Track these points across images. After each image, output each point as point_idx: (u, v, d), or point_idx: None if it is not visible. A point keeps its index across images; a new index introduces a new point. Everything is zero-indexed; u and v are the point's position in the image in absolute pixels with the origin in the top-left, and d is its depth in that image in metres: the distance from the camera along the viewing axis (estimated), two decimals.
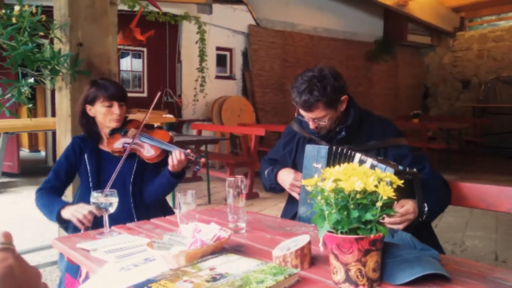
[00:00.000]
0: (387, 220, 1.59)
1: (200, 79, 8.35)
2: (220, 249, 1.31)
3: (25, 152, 9.51)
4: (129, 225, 1.76)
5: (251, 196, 5.70)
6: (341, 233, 1.05)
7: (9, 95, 2.62)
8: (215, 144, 8.00)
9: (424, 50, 12.51)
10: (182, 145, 5.75)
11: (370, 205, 1.04)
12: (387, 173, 1.09)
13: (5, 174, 7.06)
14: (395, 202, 1.61)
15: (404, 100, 12.13)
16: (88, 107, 2.13)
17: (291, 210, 2.01)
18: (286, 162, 2.11)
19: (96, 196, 1.61)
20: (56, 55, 2.54)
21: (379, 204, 1.01)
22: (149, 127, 2.26)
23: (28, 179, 6.79)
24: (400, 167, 1.67)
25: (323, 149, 1.81)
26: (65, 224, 1.98)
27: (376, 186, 1.02)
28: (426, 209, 1.70)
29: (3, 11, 2.44)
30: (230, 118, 8.44)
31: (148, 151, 2.09)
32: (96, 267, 1.29)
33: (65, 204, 1.97)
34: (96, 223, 1.89)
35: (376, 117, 2.02)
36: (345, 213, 1.04)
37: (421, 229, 1.84)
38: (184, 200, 1.61)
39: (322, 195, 1.05)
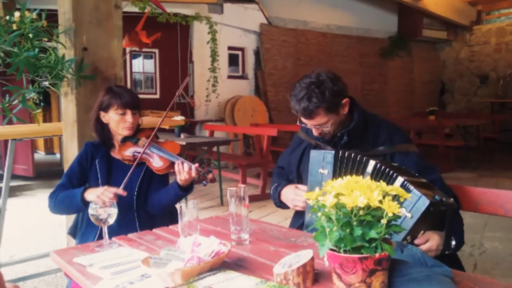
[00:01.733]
0: None
1: (212, 79, 8.31)
2: (219, 265, 1.24)
3: (41, 155, 9.59)
4: (130, 235, 1.71)
5: (264, 197, 5.63)
6: (344, 251, 0.98)
7: (16, 101, 2.60)
8: (227, 145, 7.96)
9: (440, 45, 12.26)
10: (194, 146, 5.64)
11: (375, 221, 0.96)
12: (394, 186, 1.01)
13: (20, 178, 7.12)
14: (421, 232, 1.52)
15: (420, 97, 11.92)
16: (102, 113, 2.14)
17: (300, 219, 1.94)
18: (291, 170, 2.05)
19: (94, 208, 1.57)
20: (60, 61, 2.51)
21: (384, 221, 0.93)
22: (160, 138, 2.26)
23: (43, 182, 6.83)
24: (437, 198, 1.52)
25: (329, 154, 1.73)
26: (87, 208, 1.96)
27: (380, 201, 0.94)
28: (453, 243, 1.60)
29: (7, 17, 2.42)
30: (243, 118, 8.38)
31: (157, 162, 2.09)
32: (90, 285, 1.24)
33: (87, 187, 1.99)
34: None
35: (382, 121, 1.93)
36: (347, 230, 0.96)
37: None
38: (186, 209, 1.56)
39: (322, 212, 0.98)
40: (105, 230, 1.59)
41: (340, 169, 1.70)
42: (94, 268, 1.31)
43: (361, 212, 0.95)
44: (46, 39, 2.52)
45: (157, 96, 8.32)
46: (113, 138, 2.18)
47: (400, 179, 1.54)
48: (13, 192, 6.46)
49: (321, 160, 1.75)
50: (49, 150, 9.70)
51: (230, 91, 8.71)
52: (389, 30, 11.17)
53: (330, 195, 0.97)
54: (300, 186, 1.92)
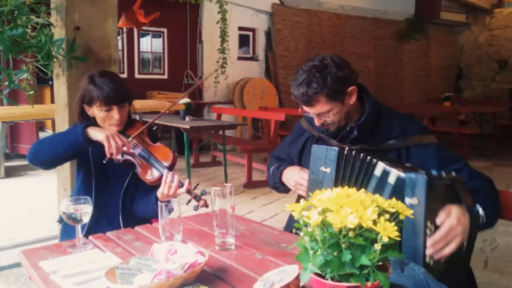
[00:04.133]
0: (430, 251, 1.28)
1: (221, 60, 8.11)
2: (193, 279, 1.10)
3: (49, 134, 9.55)
4: (109, 234, 1.58)
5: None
6: (331, 278, 0.83)
7: (6, 82, 2.47)
8: (234, 129, 7.80)
9: (459, 29, 11.85)
10: (198, 130, 5.47)
11: (368, 244, 0.80)
12: (393, 202, 0.85)
13: (25, 157, 7.06)
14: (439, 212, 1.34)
15: (435, 82, 11.59)
16: (86, 107, 1.88)
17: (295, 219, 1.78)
18: (292, 163, 1.88)
19: (66, 205, 1.43)
20: (48, 40, 2.36)
21: (378, 246, 0.77)
22: (153, 137, 1.99)
23: None
24: (434, 172, 1.41)
25: (332, 151, 1.55)
26: (88, 145, 1.80)
27: (375, 222, 0.78)
28: (481, 211, 1.40)
29: None
30: (252, 101, 8.20)
31: (145, 173, 1.85)
32: None
33: (90, 124, 1.80)
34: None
35: (396, 114, 1.73)
36: (335, 253, 0.81)
37: None
38: (167, 208, 1.41)
39: (305, 231, 0.82)
40: (79, 229, 1.46)
41: (344, 169, 1.52)
42: (57, 276, 1.18)
43: (351, 234, 0.79)
44: (33, 17, 2.37)
45: (165, 76, 8.17)
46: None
47: (400, 174, 1.37)
48: (17, 171, 6.42)
49: (323, 156, 1.58)
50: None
51: (239, 73, 8.51)
52: (406, 12, 10.81)
53: (315, 212, 0.81)
54: (306, 170, 1.72)
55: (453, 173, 1.45)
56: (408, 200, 1.33)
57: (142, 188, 1.92)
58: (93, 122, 1.91)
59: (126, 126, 1.93)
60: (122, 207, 1.92)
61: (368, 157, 1.48)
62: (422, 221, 1.30)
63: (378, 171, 1.45)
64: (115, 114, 1.83)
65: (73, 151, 1.82)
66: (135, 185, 1.94)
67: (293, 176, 1.77)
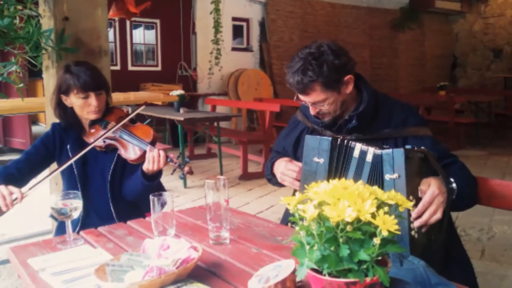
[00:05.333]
0: (415, 216, 1.35)
1: (215, 51, 8.03)
2: (186, 275, 1.06)
3: (42, 128, 9.45)
4: (100, 229, 1.54)
5: None
6: (329, 273, 0.79)
7: None
8: (229, 121, 7.75)
9: (453, 17, 11.80)
10: (193, 122, 5.44)
11: (367, 238, 0.77)
12: (392, 194, 0.82)
13: (19, 151, 7.00)
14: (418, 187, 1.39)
15: (430, 71, 11.56)
16: (63, 97, 1.88)
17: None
18: (287, 155, 1.85)
19: (55, 201, 1.39)
20: (36, 31, 2.30)
21: (377, 240, 0.74)
22: (132, 121, 1.99)
23: None
24: (408, 146, 1.43)
25: (325, 141, 1.53)
26: None
27: (373, 215, 0.75)
28: (454, 185, 1.45)
29: None
30: (247, 92, 8.14)
31: (128, 152, 1.85)
32: None
33: (3, 183, 1.64)
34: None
35: (395, 102, 1.70)
36: (332, 248, 0.77)
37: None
38: (160, 202, 1.38)
39: (301, 225, 0.79)
40: (69, 224, 1.42)
41: (338, 158, 1.51)
42: (45, 274, 1.14)
43: (348, 228, 0.75)
44: (21, 7, 2.31)
45: (159, 68, 8.09)
46: (80, 121, 1.94)
47: (376, 151, 1.42)
48: None
49: (316, 147, 1.55)
50: None
51: (233, 64, 8.44)
52: (401, 1, 10.74)
53: (311, 205, 0.77)
54: (295, 162, 1.72)
55: (423, 147, 1.48)
56: (388, 176, 1.37)
57: (129, 172, 1.91)
58: (70, 113, 1.91)
59: (105, 114, 1.94)
60: (111, 193, 1.90)
61: (351, 142, 1.50)
62: (404, 194, 1.33)
63: (356, 152, 1.47)
64: (92, 101, 1.84)
65: None
66: (121, 170, 1.93)
67: (279, 167, 1.74)
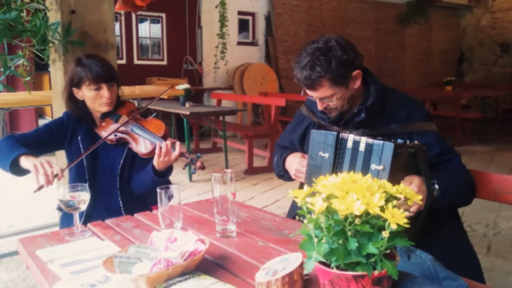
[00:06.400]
0: None
1: (221, 45, 8.01)
2: (193, 268, 1.07)
3: (48, 121, 9.50)
4: (107, 221, 1.55)
5: (271, 169, 5.44)
6: (337, 267, 0.79)
7: (2, 68, 2.42)
8: (235, 115, 7.74)
9: (461, 12, 11.70)
10: (198, 116, 5.42)
11: (375, 231, 0.77)
12: (400, 187, 0.81)
13: None
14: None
15: (437, 66, 11.48)
16: (75, 90, 1.89)
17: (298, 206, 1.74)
18: (296, 150, 1.85)
19: (63, 193, 1.40)
20: (43, 24, 2.30)
21: (386, 234, 0.74)
22: (144, 115, 2.00)
23: None
24: (400, 140, 1.44)
25: (331, 135, 1.53)
26: (18, 174, 1.66)
27: (382, 208, 0.75)
28: (436, 186, 1.48)
29: None
30: (252, 86, 8.13)
31: (139, 146, 1.85)
32: (47, 286, 1.07)
33: (31, 153, 1.63)
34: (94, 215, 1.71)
35: (401, 96, 1.70)
36: (340, 241, 0.77)
37: (450, 230, 1.58)
38: (167, 195, 1.38)
39: (309, 218, 0.79)
40: (76, 217, 1.43)
41: (342, 153, 1.51)
42: (54, 265, 1.15)
43: (357, 221, 0.75)
44: (28, 0, 2.32)
45: (165, 62, 8.09)
46: (92, 114, 1.94)
47: (368, 140, 1.44)
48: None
49: (322, 141, 1.55)
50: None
51: (239, 58, 8.42)
52: None
53: (320, 198, 0.77)
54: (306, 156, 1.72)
55: (416, 142, 1.50)
56: (374, 166, 1.40)
57: (139, 166, 1.92)
58: (81, 106, 1.91)
59: (116, 108, 1.94)
60: (120, 187, 1.90)
61: (343, 134, 1.51)
62: None
63: (349, 143, 1.49)
64: (105, 92, 1.85)
65: (6, 170, 1.66)
66: (131, 163, 1.93)
67: (293, 163, 1.74)
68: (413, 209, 1.39)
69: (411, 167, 1.46)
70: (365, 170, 1.43)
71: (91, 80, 1.82)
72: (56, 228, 3.32)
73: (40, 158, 1.61)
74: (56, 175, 1.54)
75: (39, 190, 1.53)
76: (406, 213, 1.32)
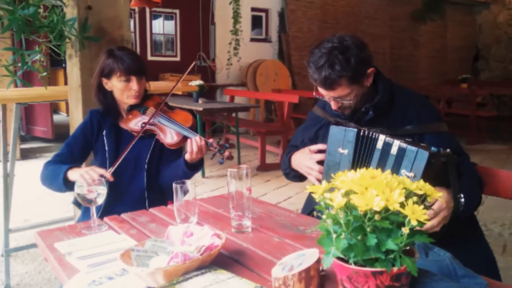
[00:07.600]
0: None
1: (234, 42, 8.02)
2: (210, 262, 1.07)
3: (63, 116, 9.58)
4: (123, 215, 1.56)
5: None
6: (355, 262, 0.79)
7: (20, 63, 2.45)
8: (247, 112, 7.74)
9: (477, 8, 11.55)
10: (211, 112, 5.44)
11: (395, 227, 0.76)
12: (420, 183, 0.81)
13: (40, 140, 7.13)
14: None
15: (452, 63, 11.36)
16: (104, 80, 1.92)
17: (314, 202, 1.73)
18: None
19: (80, 186, 1.41)
20: (60, 20, 2.32)
21: (405, 230, 0.73)
22: (170, 107, 2.03)
23: (62, 144, 6.80)
24: (434, 149, 1.41)
25: (351, 132, 1.52)
26: (71, 189, 1.70)
27: (402, 204, 0.74)
28: (462, 200, 1.45)
29: None
30: (265, 83, 8.12)
31: (167, 137, 1.87)
32: (66, 278, 1.09)
33: (74, 165, 1.77)
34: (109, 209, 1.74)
35: (410, 94, 1.69)
36: (359, 237, 0.77)
37: (466, 229, 1.56)
38: (183, 190, 1.39)
39: (328, 213, 0.78)
40: (93, 211, 1.44)
41: (361, 150, 1.50)
42: (72, 258, 1.17)
43: (376, 217, 0.75)
44: None
45: (178, 58, 8.12)
46: (118, 106, 1.97)
47: (402, 144, 1.41)
48: (33, 153, 6.47)
49: (341, 138, 1.55)
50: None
51: (252, 55, 8.42)
52: None
53: (339, 194, 0.77)
54: (313, 147, 1.69)
55: (448, 150, 1.46)
56: (404, 172, 1.38)
57: (167, 160, 1.94)
58: (109, 97, 1.94)
59: (144, 100, 1.97)
60: (147, 180, 1.91)
61: (375, 134, 1.49)
62: None
63: (379, 144, 1.47)
64: (134, 85, 1.88)
65: (63, 190, 1.78)
66: (158, 156, 1.95)
67: (303, 160, 1.70)
68: (435, 222, 1.38)
69: (441, 176, 1.42)
70: (393, 172, 1.41)
71: (122, 71, 1.85)
72: (71, 222, 3.36)
73: (84, 167, 1.72)
74: (103, 177, 1.58)
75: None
76: (436, 229, 1.32)
